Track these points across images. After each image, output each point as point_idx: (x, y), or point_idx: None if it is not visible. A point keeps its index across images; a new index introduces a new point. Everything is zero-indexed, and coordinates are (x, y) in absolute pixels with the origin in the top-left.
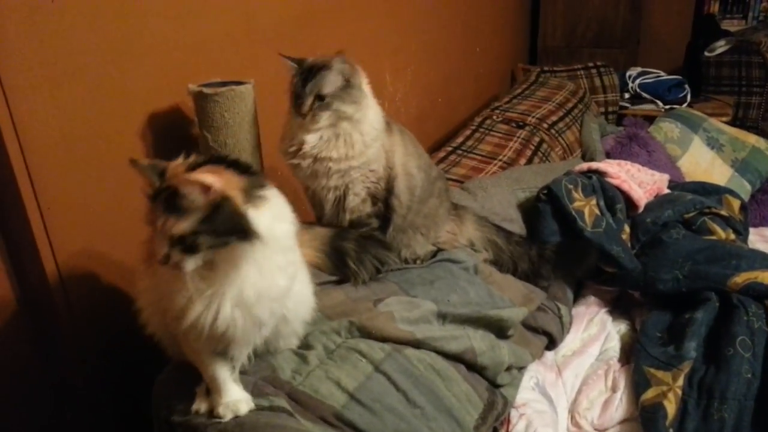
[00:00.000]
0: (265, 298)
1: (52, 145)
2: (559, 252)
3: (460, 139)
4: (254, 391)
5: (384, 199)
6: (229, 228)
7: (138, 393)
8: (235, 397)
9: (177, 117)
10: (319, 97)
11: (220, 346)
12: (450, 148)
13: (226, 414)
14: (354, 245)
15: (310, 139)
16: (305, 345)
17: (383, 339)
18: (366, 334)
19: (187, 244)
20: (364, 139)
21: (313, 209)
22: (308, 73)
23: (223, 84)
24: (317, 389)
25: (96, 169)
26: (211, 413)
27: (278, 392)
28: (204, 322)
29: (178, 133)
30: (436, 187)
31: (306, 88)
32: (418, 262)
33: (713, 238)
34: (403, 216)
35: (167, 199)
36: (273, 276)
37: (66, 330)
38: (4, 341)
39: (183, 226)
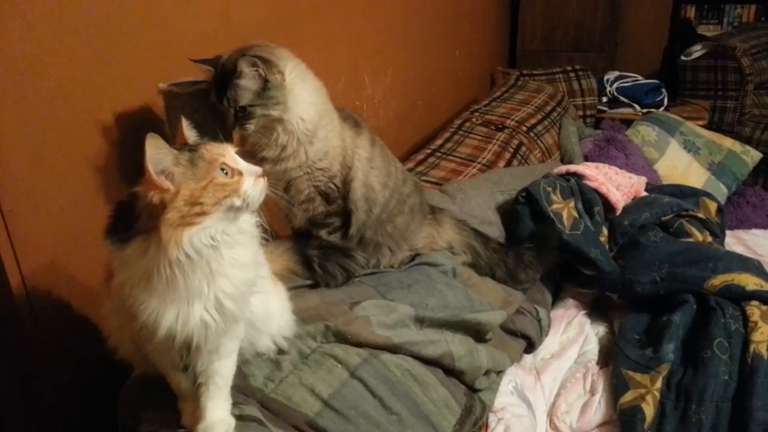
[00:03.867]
0: (236, 293)
1: (15, 146)
2: (536, 253)
3: (439, 141)
4: None
5: (343, 198)
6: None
7: (109, 404)
8: None
9: (147, 117)
10: (241, 108)
11: (190, 356)
12: (429, 151)
13: (193, 424)
14: (317, 252)
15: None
16: (279, 350)
17: (359, 344)
18: (342, 339)
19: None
20: (297, 138)
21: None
22: (221, 82)
23: (195, 83)
24: (290, 397)
25: (63, 172)
26: (179, 423)
27: (249, 400)
28: (176, 330)
29: (148, 133)
30: (406, 205)
31: (224, 103)
32: (395, 266)
33: (690, 240)
34: (358, 227)
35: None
36: (243, 267)
37: (33, 342)
38: None
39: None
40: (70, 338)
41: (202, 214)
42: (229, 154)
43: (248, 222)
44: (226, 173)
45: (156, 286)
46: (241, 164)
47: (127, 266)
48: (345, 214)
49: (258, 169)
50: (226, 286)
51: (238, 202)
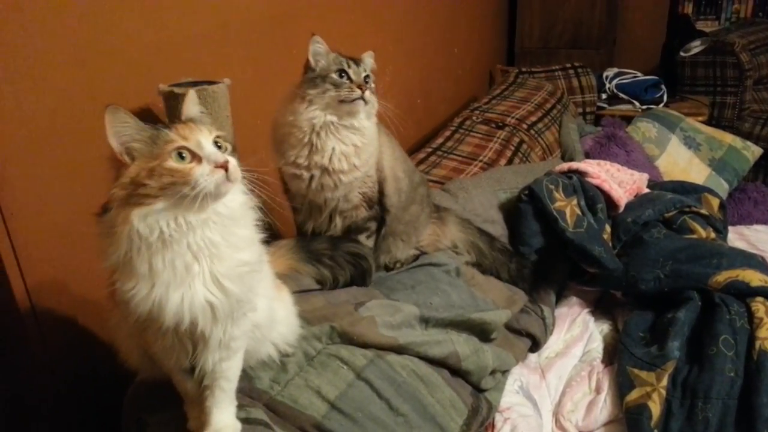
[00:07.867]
0: (233, 273)
1: (14, 152)
2: (537, 267)
3: (440, 140)
4: None
5: (378, 202)
6: None
7: (111, 412)
8: None
9: (147, 118)
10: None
11: (197, 354)
12: (430, 149)
13: (198, 428)
14: (326, 245)
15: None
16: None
17: (365, 345)
18: (347, 339)
19: None
20: (368, 144)
21: (299, 215)
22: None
23: (196, 84)
24: (296, 399)
25: (64, 177)
26: (184, 427)
27: (255, 403)
28: (182, 313)
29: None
30: (417, 193)
31: (360, 66)
32: (398, 265)
33: (694, 236)
34: (390, 219)
35: None
36: (237, 248)
37: (37, 349)
38: None
39: None
40: (73, 348)
41: (148, 196)
42: (195, 137)
43: (232, 203)
44: (184, 157)
45: (138, 267)
46: (206, 151)
47: (107, 246)
48: (379, 219)
49: (221, 158)
50: (219, 267)
51: (186, 190)
